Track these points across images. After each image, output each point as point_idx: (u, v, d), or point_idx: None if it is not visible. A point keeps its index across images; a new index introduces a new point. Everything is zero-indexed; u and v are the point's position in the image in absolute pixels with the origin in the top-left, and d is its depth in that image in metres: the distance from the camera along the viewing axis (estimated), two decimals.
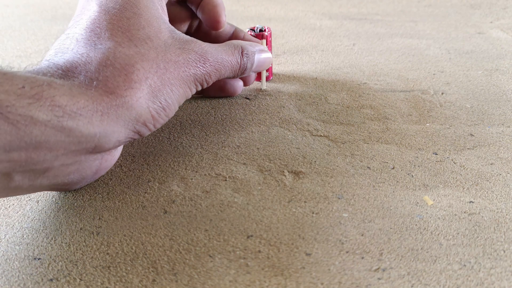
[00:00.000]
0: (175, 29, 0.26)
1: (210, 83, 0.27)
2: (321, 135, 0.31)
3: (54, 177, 0.22)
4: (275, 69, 0.41)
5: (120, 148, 0.26)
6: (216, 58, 0.27)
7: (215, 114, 0.34)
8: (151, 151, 0.29)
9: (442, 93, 0.36)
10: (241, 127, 0.32)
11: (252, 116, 0.33)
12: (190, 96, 0.27)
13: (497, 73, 0.39)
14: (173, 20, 0.30)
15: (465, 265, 0.21)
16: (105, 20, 0.24)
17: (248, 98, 0.36)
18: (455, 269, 0.20)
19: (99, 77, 0.22)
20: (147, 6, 0.25)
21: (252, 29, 0.36)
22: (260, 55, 0.31)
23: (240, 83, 0.35)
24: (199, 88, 0.27)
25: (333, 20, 0.55)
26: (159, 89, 0.24)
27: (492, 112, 0.33)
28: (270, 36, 0.36)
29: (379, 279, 0.20)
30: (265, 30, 0.36)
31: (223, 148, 0.30)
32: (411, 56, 0.44)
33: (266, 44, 0.36)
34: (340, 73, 0.40)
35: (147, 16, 0.25)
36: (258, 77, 0.37)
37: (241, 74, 0.30)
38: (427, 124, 0.32)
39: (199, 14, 0.31)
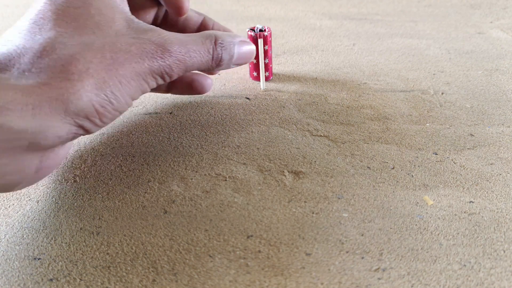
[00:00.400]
0: (135, 18, 0.25)
1: (175, 76, 0.25)
2: (321, 135, 0.31)
3: None
4: (275, 69, 0.41)
5: (67, 146, 0.24)
6: (178, 49, 0.24)
7: (215, 114, 0.34)
8: (151, 151, 0.29)
9: (442, 93, 0.36)
10: (241, 127, 0.32)
11: (252, 116, 0.33)
12: (148, 90, 0.24)
13: (497, 73, 0.39)
14: (136, 10, 0.28)
15: (465, 265, 0.21)
16: (50, 10, 0.22)
17: (248, 98, 0.36)
18: (455, 269, 0.20)
19: (32, 69, 0.20)
20: None
21: (252, 29, 0.36)
22: (242, 46, 0.29)
23: (209, 80, 0.32)
24: (160, 82, 0.25)
25: (333, 20, 0.55)
26: (104, 81, 0.22)
27: (492, 112, 0.33)
28: (270, 36, 0.36)
29: (379, 279, 0.20)
30: (265, 30, 0.36)
31: (223, 148, 0.30)
32: (411, 56, 0.44)
33: (266, 44, 0.36)
34: (340, 73, 0.40)
35: (98, 5, 0.23)
36: (258, 77, 0.37)
37: (218, 66, 0.28)
38: (427, 124, 0.32)
39: (162, 1, 0.29)
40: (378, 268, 0.21)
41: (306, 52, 0.45)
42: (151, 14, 0.30)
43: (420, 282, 0.20)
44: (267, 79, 0.38)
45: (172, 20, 0.31)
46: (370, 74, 0.40)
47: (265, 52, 0.36)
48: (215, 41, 0.27)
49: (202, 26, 0.31)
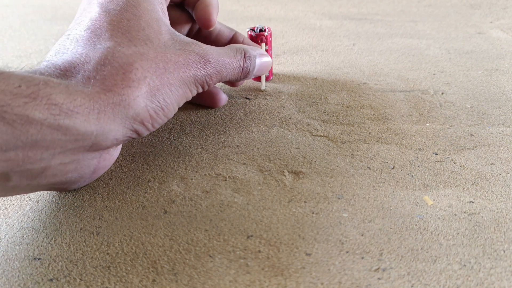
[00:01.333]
0: (176, 31, 0.26)
1: (211, 86, 0.27)
2: (321, 135, 0.31)
3: (52, 176, 0.22)
4: (275, 69, 0.41)
5: (119, 148, 0.26)
6: (217, 60, 0.27)
7: (215, 114, 0.34)
8: (151, 151, 0.29)
9: (442, 93, 0.36)
10: (241, 127, 0.32)
11: (252, 116, 0.33)
12: (190, 98, 0.26)
13: (497, 73, 0.39)
14: (174, 23, 0.31)
15: (465, 265, 0.21)
16: (105, 21, 0.24)
17: (248, 98, 0.36)
18: (455, 269, 0.20)
19: (97, 76, 0.22)
20: (147, 9, 0.25)
21: (252, 29, 0.36)
22: (261, 59, 0.31)
23: (225, 96, 0.34)
24: (200, 90, 0.27)
25: (333, 20, 0.55)
26: (157, 88, 0.24)
27: (492, 112, 0.33)
28: (270, 36, 0.36)
29: (379, 279, 0.20)
30: (265, 30, 0.36)
31: (223, 148, 0.30)
32: (411, 56, 0.44)
33: (266, 44, 0.36)
34: (340, 73, 0.40)
35: (147, 18, 0.25)
36: (258, 77, 0.37)
37: (244, 77, 0.30)
38: (427, 124, 0.32)
39: (193, 15, 0.31)
40: (378, 268, 0.21)
41: (306, 52, 0.45)
42: (186, 28, 0.32)
43: (420, 282, 0.20)
44: (267, 79, 0.38)
45: (204, 34, 0.33)
46: (370, 74, 0.40)
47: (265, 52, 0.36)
48: (244, 54, 0.29)
49: (233, 41, 0.33)
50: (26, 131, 0.19)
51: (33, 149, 0.20)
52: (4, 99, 0.19)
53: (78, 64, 0.22)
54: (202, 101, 0.34)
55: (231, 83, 0.34)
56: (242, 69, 0.29)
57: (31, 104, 0.19)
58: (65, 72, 0.22)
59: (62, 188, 0.25)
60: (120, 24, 0.24)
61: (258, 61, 0.31)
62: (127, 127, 0.23)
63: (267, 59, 0.32)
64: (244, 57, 0.29)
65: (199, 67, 0.26)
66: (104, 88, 0.22)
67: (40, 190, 0.25)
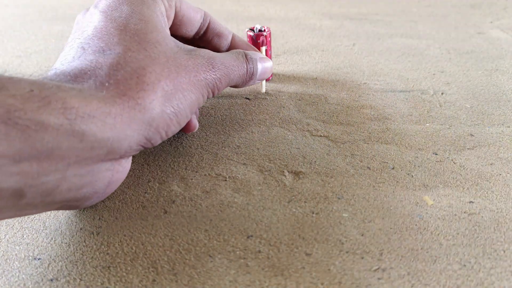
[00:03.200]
0: (177, 40, 0.26)
1: (221, 90, 0.27)
2: (321, 135, 0.31)
3: (67, 191, 0.20)
4: (275, 69, 0.41)
5: (130, 160, 0.25)
6: (223, 63, 0.27)
7: (215, 114, 0.34)
8: (151, 151, 0.29)
9: (442, 93, 0.36)
10: (241, 127, 0.32)
11: (252, 116, 0.33)
12: (202, 104, 0.26)
13: (497, 73, 0.39)
14: (184, 23, 0.30)
15: (465, 265, 0.21)
16: (112, 27, 0.23)
17: (248, 98, 0.36)
18: (455, 269, 0.20)
19: (110, 81, 0.21)
20: (152, 16, 0.25)
21: (251, 29, 0.36)
22: (263, 63, 0.31)
23: (196, 121, 0.31)
24: (211, 95, 0.26)
25: (333, 20, 0.55)
26: (172, 93, 0.23)
27: (492, 112, 0.33)
28: (270, 36, 0.36)
29: (379, 279, 0.20)
30: (264, 30, 0.36)
31: (223, 148, 0.30)
32: (411, 56, 0.44)
33: (266, 44, 0.36)
34: (340, 73, 0.40)
35: (154, 23, 0.24)
36: None
37: (249, 79, 0.30)
38: (427, 124, 0.32)
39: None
40: (378, 268, 0.21)
41: (306, 52, 0.45)
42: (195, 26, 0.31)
43: (420, 282, 0.20)
44: (267, 80, 0.38)
45: (207, 40, 0.32)
46: (370, 74, 0.40)
47: (265, 52, 0.36)
48: (246, 56, 0.29)
49: (232, 44, 0.33)
50: (41, 138, 0.18)
51: (48, 159, 0.18)
52: (15, 104, 0.17)
53: (89, 70, 0.22)
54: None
55: (236, 87, 0.34)
56: (247, 71, 0.29)
57: (45, 108, 0.18)
58: (76, 78, 0.21)
59: (75, 205, 0.23)
60: (127, 28, 0.23)
61: (260, 65, 0.31)
62: (142, 133, 0.22)
63: (268, 63, 0.32)
64: (247, 59, 0.29)
65: (208, 70, 0.25)
66: (118, 92, 0.21)
67: (52, 209, 0.23)
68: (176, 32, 0.30)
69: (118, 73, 0.22)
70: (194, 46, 0.32)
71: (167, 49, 0.24)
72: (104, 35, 0.23)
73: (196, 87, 0.25)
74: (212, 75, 0.26)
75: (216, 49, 0.32)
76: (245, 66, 0.29)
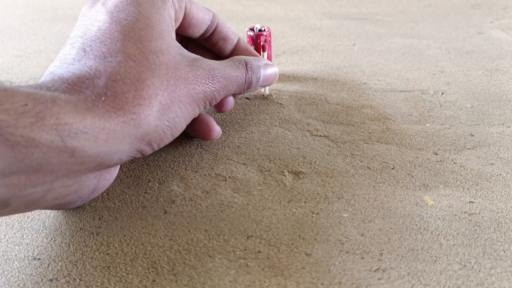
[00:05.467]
0: (182, 47, 0.26)
1: (218, 101, 0.27)
2: (321, 135, 0.31)
3: (52, 199, 0.21)
4: None
5: (118, 166, 0.25)
6: (223, 74, 0.27)
7: (215, 115, 0.34)
8: None
9: (442, 93, 0.36)
10: (241, 127, 0.32)
11: (252, 116, 0.33)
12: (197, 115, 0.26)
13: (497, 73, 0.39)
14: (194, 22, 0.30)
15: (465, 265, 0.21)
16: (116, 31, 0.23)
17: (248, 98, 0.36)
18: (455, 269, 0.20)
19: (107, 93, 0.21)
20: (159, 20, 0.24)
21: (251, 29, 0.36)
22: (266, 69, 0.31)
23: (218, 128, 0.30)
24: (207, 106, 0.26)
25: (333, 20, 0.55)
26: (168, 106, 0.23)
27: (492, 112, 0.33)
28: (270, 36, 0.36)
29: (379, 279, 0.20)
30: (264, 30, 0.36)
31: (223, 148, 0.30)
32: (411, 56, 0.44)
33: (265, 43, 0.36)
34: (340, 73, 0.40)
35: (159, 29, 0.24)
36: None
37: (247, 89, 0.30)
38: (427, 124, 0.32)
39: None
40: (378, 268, 0.21)
41: (306, 52, 0.45)
42: (204, 27, 0.30)
43: (420, 282, 0.20)
44: None
45: (213, 42, 0.32)
46: (370, 74, 0.40)
47: (266, 55, 0.36)
48: (246, 65, 0.29)
49: (236, 48, 0.32)
50: (30, 154, 0.18)
51: (36, 172, 0.18)
52: (8, 119, 0.17)
53: (88, 79, 0.21)
54: (195, 133, 0.30)
55: (234, 95, 0.33)
56: (245, 81, 0.29)
57: (38, 124, 0.18)
58: (73, 86, 0.21)
59: (58, 208, 0.24)
60: (131, 33, 0.23)
61: (263, 72, 0.30)
62: (134, 147, 0.22)
63: (273, 70, 0.31)
64: (246, 68, 0.29)
65: (207, 82, 0.25)
66: (114, 106, 0.21)
67: (36, 209, 0.23)
68: (182, 33, 0.29)
69: (117, 84, 0.21)
70: (199, 45, 0.32)
71: (169, 58, 0.24)
72: (107, 39, 0.23)
73: (193, 100, 0.25)
74: (211, 87, 0.26)
75: (220, 52, 0.32)
76: (244, 76, 0.29)
